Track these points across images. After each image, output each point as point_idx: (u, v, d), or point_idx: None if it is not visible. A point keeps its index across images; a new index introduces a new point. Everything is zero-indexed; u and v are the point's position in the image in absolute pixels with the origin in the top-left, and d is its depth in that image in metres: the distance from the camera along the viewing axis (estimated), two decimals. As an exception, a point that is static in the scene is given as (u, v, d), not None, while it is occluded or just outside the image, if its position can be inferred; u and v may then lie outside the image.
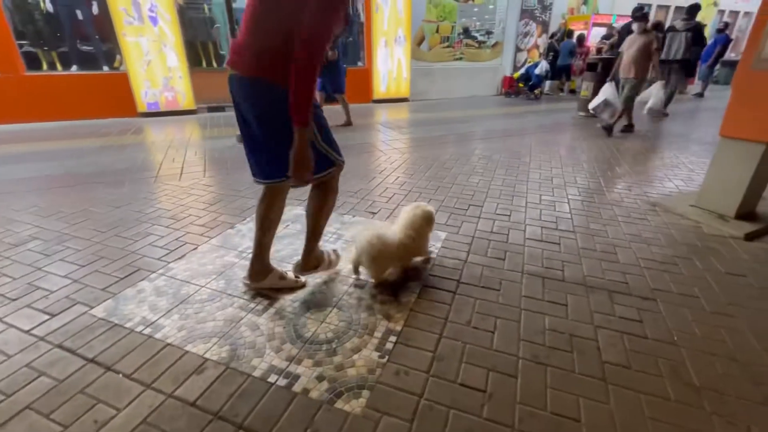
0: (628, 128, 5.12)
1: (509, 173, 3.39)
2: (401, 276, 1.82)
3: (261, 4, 1.16)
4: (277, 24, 1.15)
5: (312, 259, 1.72)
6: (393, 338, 1.44)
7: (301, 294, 1.70)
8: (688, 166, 3.66)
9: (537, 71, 8.35)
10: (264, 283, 1.66)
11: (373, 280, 1.75)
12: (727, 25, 8.59)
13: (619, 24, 9.29)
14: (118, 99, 5.94)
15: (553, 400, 1.19)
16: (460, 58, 9.06)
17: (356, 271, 1.80)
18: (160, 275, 1.82)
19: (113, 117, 6.02)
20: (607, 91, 4.85)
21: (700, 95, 8.81)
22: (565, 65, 8.82)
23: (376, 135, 4.98)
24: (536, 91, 8.63)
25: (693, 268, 1.93)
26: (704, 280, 1.83)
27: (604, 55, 6.55)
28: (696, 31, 6.31)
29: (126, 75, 5.87)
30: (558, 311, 1.60)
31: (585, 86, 6.47)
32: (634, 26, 4.84)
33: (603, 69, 6.09)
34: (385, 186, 3.05)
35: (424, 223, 1.79)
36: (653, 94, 5.31)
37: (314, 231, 1.64)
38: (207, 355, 1.34)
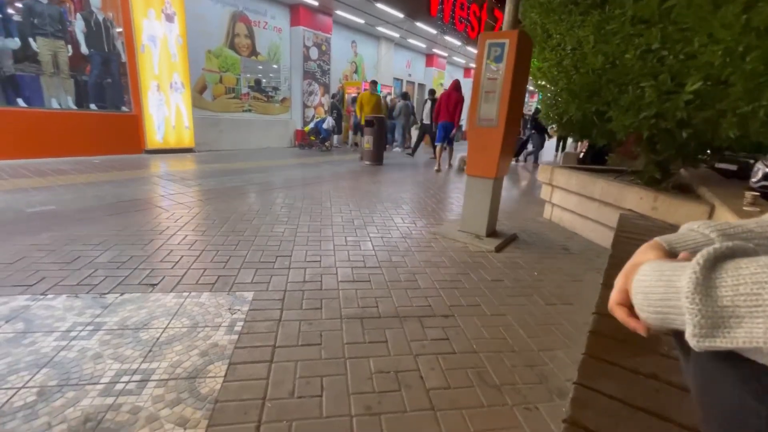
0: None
1: (314, 219, 3.41)
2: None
3: (451, 109, 6.99)
4: (453, 110, 6.98)
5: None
6: (193, 451, 1.06)
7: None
8: (452, 201, 4.64)
9: (325, 126, 9.19)
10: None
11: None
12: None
13: (384, 92, 11.45)
14: None
15: (393, 452, 1.11)
16: (249, 110, 9.02)
17: (460, 168, 7.30)
18: None
19: None
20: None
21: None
22: (357, 122, 10.10)
23: (153, 189, 4.18)
24: (327, 144, 9.44)
25: (471, 281, 2.33)
26: (480, 290, 2.23)
27: (377, 115, 7.86)
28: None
29: None
30: (380, 350, 1.59)
31: (367, 140, 7.50)
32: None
33: (378, 125, 7.29)
34: (169, 249, 2.50)
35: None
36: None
37: (448, 159, 7.85)
38: None
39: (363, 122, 7.58)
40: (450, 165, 7.82)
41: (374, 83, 8.21)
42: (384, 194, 4.74)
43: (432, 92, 9.62)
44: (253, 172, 5.78)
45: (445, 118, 7.11)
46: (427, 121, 8.92)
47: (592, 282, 2.45)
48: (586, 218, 3.47)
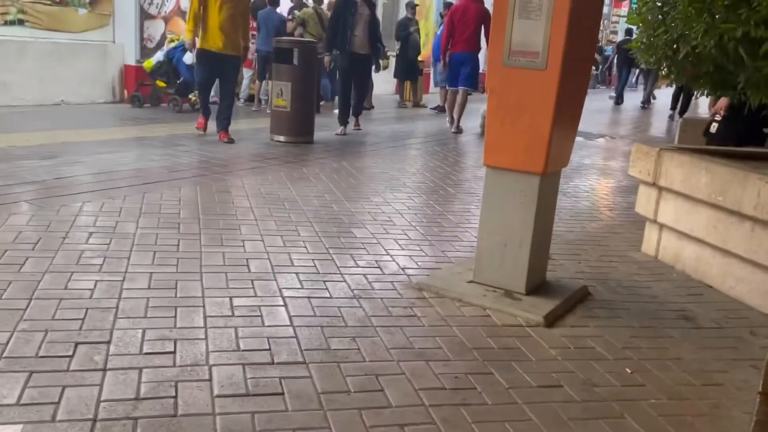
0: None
1: (162, 260, 3.42)
2: None
3: (470, 31, 10.58)
4: (477, 35, 10.76)
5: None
6: None
7: None
8: (455, 215, 4.71)
9: (188, 59, 9.12)
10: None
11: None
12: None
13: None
14: None
15: None
16: (20, 22, 8.93)
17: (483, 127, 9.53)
18: None
19: None
20: None
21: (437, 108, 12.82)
22: (266, 53, 9.76)
23: None
24: (191, 97, 9.38)
25: (497, 391, 2.35)
26: (517, 408, 2.24)
27: (297, 37, 7.94)
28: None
29: None
30: None
31: (278, 90, 7.51)
32: None
33: (303, 60, 7.31)
34: None
35: None
36: None
37: (459, 116, 11.32)
38: None
39: (191, 45, 7.50)
40: (456, 126, 9.41)
41: None
42: (314, 205, 4.78)
43: None
44: (26, 157, 5.75)
45: (462, 47, 8.81)
46: (362, 50, 9.12)
47: (741, 386, 2.53)
48: (727, 254, 3.60)
